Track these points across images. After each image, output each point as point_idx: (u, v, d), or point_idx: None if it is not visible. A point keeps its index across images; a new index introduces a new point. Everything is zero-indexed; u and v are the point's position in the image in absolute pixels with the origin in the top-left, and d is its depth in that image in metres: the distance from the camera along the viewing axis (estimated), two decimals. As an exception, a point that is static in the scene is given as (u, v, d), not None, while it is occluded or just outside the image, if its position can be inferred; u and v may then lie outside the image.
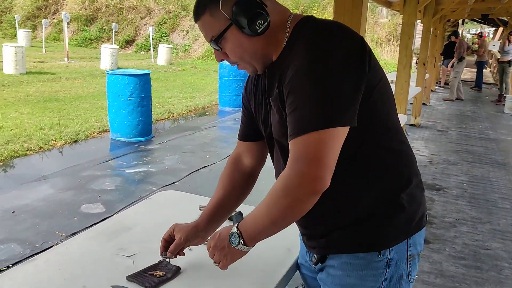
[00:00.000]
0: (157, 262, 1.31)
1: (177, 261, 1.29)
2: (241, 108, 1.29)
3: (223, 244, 1.04)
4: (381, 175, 1.03)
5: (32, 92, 9.10)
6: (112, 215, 3.77)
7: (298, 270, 1.32)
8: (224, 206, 1.26)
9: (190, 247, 1.30)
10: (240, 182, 1.28)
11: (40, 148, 5.56)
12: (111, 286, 1.19)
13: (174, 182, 4.52)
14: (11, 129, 6.16)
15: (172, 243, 1.23)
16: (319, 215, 1.03)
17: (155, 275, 1.26)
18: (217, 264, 1.09)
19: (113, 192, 4.22)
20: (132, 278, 1.26)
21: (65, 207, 3.84)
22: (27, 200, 3.97)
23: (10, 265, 2.84)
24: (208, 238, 1.13)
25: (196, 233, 1.23)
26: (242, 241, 1.00)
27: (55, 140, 5.82)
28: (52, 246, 3.12)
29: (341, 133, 0.90)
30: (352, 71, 0.90)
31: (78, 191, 4.23)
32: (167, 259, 1.30)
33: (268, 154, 1.23)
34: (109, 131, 6.22)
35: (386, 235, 1.02)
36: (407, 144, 1.10)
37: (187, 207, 1.75)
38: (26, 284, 1.22)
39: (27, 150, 5.41)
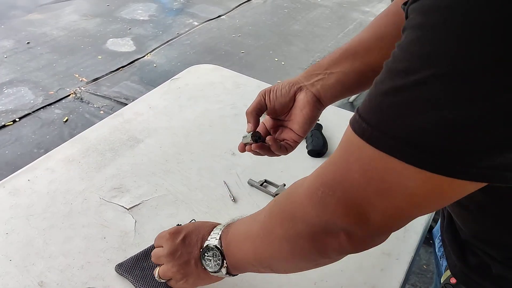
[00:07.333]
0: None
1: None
2: None
3: (187, 258, 0.59)
4: None
5: None
6: (143, 57, 3.13)
7: None
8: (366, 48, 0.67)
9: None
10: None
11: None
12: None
13: (220, 16, 3.67)
14: None
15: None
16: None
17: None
18: (160, 279, 0.63)
19: (145, 24, 3.46)
20: (124, 271, 0.70)
21: (88, 41, 3.17)
22: (46, 27, 3.31)
23: (17, 119, 2.34)
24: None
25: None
26: (226, 266, 0.56)
27: None
28: (69, 95, 2.57)
29: None
30: None
31: (105, 19, 3.50)
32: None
33: None
34: None
35: None
36: None
37: (232, 93, 1.03)
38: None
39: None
